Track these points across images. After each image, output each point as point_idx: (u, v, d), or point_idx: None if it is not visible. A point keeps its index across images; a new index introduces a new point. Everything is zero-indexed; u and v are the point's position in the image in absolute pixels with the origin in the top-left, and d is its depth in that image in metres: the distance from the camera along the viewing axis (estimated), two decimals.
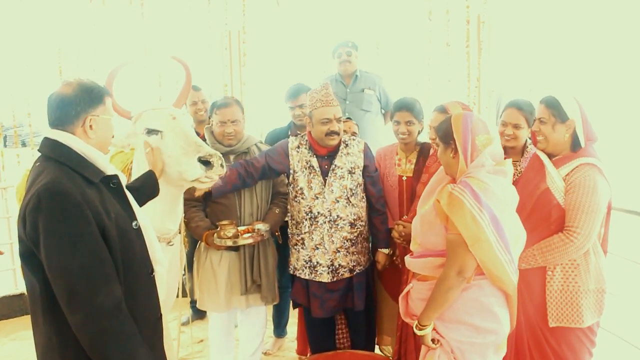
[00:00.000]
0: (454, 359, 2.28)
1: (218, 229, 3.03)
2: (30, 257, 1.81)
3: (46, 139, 1.93)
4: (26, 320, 4.55)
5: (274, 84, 5.36)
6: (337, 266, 3.12)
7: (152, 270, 2.09)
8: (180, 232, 3.03)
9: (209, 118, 3.25)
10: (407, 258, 2.46)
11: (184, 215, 3.13)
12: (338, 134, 3.06)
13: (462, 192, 2.15)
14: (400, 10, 5.05)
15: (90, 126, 1.94)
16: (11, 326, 4.55)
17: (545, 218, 2.59)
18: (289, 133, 3.98)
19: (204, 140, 3.34)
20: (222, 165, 2.61)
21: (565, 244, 2.52)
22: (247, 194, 3.21)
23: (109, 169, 2.00)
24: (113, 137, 2.10)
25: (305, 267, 3.15)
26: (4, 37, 4.81)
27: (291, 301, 3.49)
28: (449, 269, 2.20)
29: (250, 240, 3.05)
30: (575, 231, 2.51)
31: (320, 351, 3.27)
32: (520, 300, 2.63)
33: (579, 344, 2.63)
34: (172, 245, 2.89)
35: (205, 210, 3.24)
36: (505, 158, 2.49)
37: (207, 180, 2.62)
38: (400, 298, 2.53)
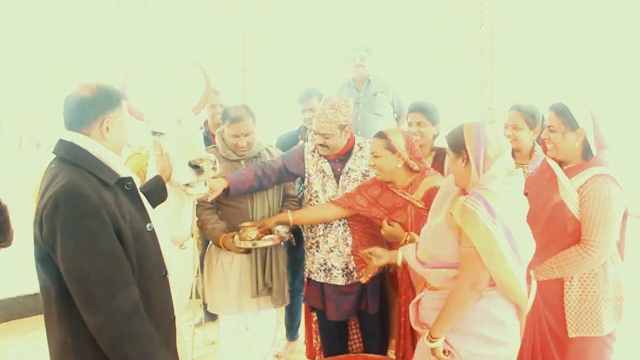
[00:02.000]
0: None
1: (240, 230, 3.03)
2: (45, 260, 1.81)
3: (61, 141, 1.94)
4: (40, 319, 4.57)
5: (285, 88, 5.36)
6: (352, 269, 3.12)
7: (166, 272, 2.10)
8: (193, 236, 3.05)
9: (222, 123, 3.25)
10: (419, 267, 2.43)
11: (198, 216, 3.14)
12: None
13: (476, 205, 2.13)
14: (415, 14, 5.04)
15: (107, 128, 1.95)
16: (26, 325, 4.58)
17: (560, 231, 2.56)
18: (299, 137, 3.99)
19: (213, 142, 3.37)
20: (214, 169, 2.60)
21: (583, 257, 2.49)
22: (259, 197, 3.21)
23: (124, 171, 2.00)
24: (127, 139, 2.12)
25: (320, 270, 3.16)
26: (18, 37, 4.85)
27: (305, 304, 3.49)
28: (462, 282, 2.19)
29: (271, 243, 3.06)
30: (592, 244, 2.47)
31: (333, 354, 3.27)
32: (536, 312, 2.63)
33: (599, 353, 2.61)
34: (184, 248, 2.91)
35: (217, 213, 3.25)
36: (515, 161, 2.52)
37: (200, 185, 2.61)
38: (410, 306, 2.52)
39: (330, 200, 3.08)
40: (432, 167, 3.20)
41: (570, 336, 2.58)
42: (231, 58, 5.27)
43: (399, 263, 2.68)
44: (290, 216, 3.08)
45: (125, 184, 1.99)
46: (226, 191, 3.06)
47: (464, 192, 2.31)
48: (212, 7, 5.19)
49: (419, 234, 2.61)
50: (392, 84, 4.47)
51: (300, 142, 3.98)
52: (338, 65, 5.39)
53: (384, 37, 5.15)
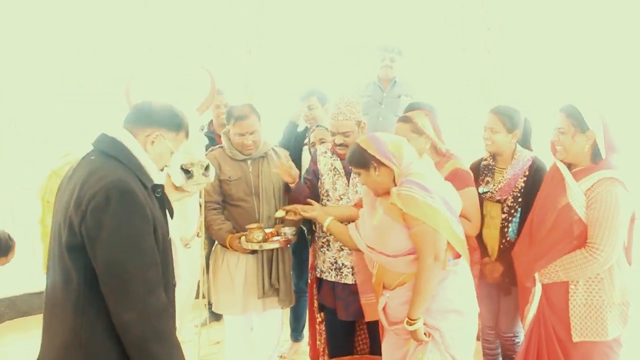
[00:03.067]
0: (444, 350, 2.41)
1: (247, 232, 3.04)
2: (75, 249, 1.80)
3: (105, 135, 1.97)
4: None
5: (289, 86, 5.36)
6: None
7: (175, 283, 2.11)
8: (198, 235, 3.05)
9: (227, 123, 3.25)
10: (383, 258, 2.51)
11: (205, 218, 3.15)
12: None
13: (410, 189, 2.34)
14: (416, 15, 5.02)
15: (152, 142, 1.98)
16: (31, 323, 4.59)
17: (567, 233, 2.55)
18: (305, 136, 4.01)
19: (219, 141, 3.37)
20: (204, 175, 2.62)
21: (588, 261, 2.48)
22: (264, 198, 3.22)
23: (157, 178, 2.03)
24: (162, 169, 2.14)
25: (332, 269, 3.16)
26: (19, 37, 4.86)
27: (309, 305, 3.49)
28: (425, 258, 2.35)
29: (277, 245, 3.07)
30: (598, 247, 2.46)
31: (339, 355, 3.27)
32: (542, 316, 2.66)
33: (604, 358, 2.59)
34: (189, 247, 2.91)
35: (223, 213, 3.25)
36: (492, 164, 3.10)
37: (192, 188, 2.64)
38: (379, 313, 2.61)
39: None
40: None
41: (574, 340, 2.57)
42: (234, 58, 5.26)
43: (325, 227, 2.83)
44: (327, 223, 2.87)
45: (157, 190, 2.02)
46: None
47: (387, 193, 2.47)
48: (215, 8, 5.19)
49: None
50: (417, 88, 4.44)
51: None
52: (343, 65, 5.42)
53: (386, 36, 5.12)
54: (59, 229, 1.85)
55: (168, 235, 2.03)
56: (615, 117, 2.62)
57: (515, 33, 4.51)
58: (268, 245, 3.04)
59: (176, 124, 2.04)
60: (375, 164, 2.46)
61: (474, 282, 2.79)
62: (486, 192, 3.06)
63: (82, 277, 1.80)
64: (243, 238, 3.05)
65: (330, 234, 3.02)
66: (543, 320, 2.66)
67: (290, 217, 2.95)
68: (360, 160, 2.51)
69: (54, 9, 4.84)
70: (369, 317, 2.94)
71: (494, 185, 3.05)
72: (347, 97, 3.09)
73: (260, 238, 3.01)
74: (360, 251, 2.69)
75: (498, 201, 3.03)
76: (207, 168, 2.65)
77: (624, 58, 4.38)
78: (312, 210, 2.91)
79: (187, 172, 2.57)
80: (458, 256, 2.51)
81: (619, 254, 2.55)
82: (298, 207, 2.95)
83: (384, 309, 2.58)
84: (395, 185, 2.45)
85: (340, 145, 3.08)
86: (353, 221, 2.92)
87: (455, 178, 2.83)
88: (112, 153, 1.91)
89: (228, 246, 3.13)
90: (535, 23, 4.46)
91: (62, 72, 4.89)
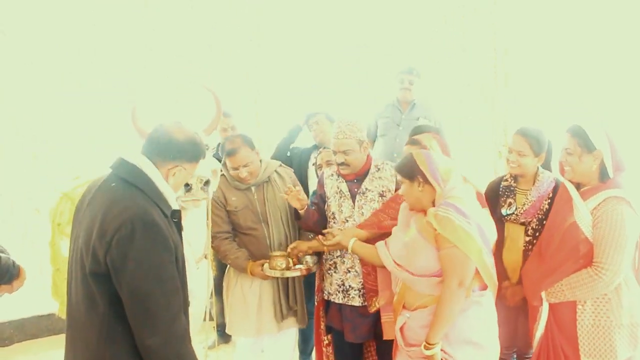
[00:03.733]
0: None
1: (270, 259, 3.07)
2: (100, 277, 1.84)
3: (125, 161, 1.98)
4: (54, 340, 4.61)
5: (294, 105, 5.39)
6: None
7: (188, 304, 2.13)
8: (206, 257, 3.05)
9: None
10: (408, 276, 2.51)
11: (218, 248, 3.19)
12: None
13: (447, 211, 2.36)
14: (417, 15, 5.05)
15: (174, 174, 2.02)
16: (40, 346, 4.59)
17: (573, 252, 2.55)
18: (312, 154, 4.03)
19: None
20: (203, 189, 2.62)
21: (594, 280, 2.47)
22: (274, 224, 3.24)
23: (174, 204, 2.06)
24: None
25: (339, 292, 3.14)
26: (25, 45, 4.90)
27: (316, 328, 3.47)
28: (450, 282, 2.34)
29: (299, 273, 3.10)
30: (603, 267, 2.46)
31: None
32: (550, 336, 2.65)
33: None
34: (197, 269, 2.91)
35: (235, 240, 3.27)
36: (514, 185, 3.02)
37: (189, 203, 2.62)
38: (396, 332, 2.60)
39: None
40: None
41: None
42: (235, 58, 5.27)
43: (350, 249, 2.87)
44: (351, 244, 2.91)
45: (174, 216, 2.05)
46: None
47: (423, 211, 2.52)
48: (215, 8, 5.22)
49: None
50: (436, 110, 4.45)
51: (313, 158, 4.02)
52: (344, 65, 5.44)
53: (386, 37, 5.16)
54: (81, 255, 1.89)
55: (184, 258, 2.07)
56: (623, 135, 2.63)
57: (517, 34, 4.52)
58: (290, 273, 3.06)
59: (197, 155, 2.09)
60: (421, 179, 2.49)
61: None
62: (510, 215, 2.98)
63: (107, 303, 1.85)
64: (266, 265, 3.07)
65: (355, 254, 3.02)
66: (551, 339, 2.64)
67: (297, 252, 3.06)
68: (408, 171, 2.54)
69: (54, 8, 4.89)
70: (387, 336, 2.93)
71: (517, 208, 2.97)
72: (349, 117, 3.10)
73: (284, 266, 3.04)
74: (386, 268, 2.70)
75: (522, 223, 2.97)
76: (206, 183, 2.64)
77: (626, 61, 4.38)
78: (332, 238, 2.95)
79: (186, 185, 2.57)
80: (484, 287, 2.48)
81: (627, 273, 2.53)
82: (320, 239, 3.02)
83: (401, 328, 2.57)
84: (434, 206, 2.47)
85: (342, 164, 3.08)
86: (369, 239, 2.95)
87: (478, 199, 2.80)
88: (132, 181, 1.93)
89: (250, 273, 3.15)
90: (537, 24, 4.46)
91: (62, 72, 4.92)
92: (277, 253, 3.08)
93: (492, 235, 2.53)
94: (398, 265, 2.55)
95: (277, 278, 3.18)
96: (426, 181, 2.48)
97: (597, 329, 2.53)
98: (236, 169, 3.17)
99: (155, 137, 2.04)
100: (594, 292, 2.50)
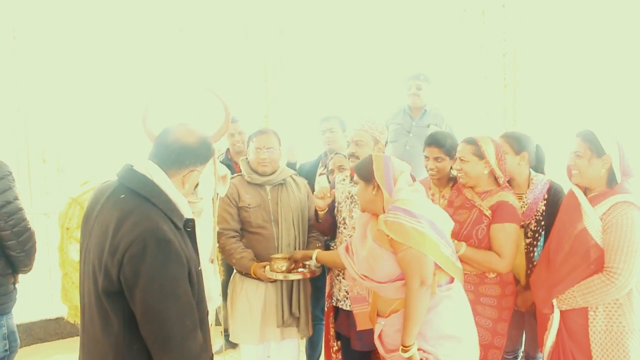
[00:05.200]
0: None
1: (271, 262, 3.04)
2: (114, 294, 1.80)
3: (133, 170, 1.91)
4: (61, 344, 4.63)
5: (309, 114, 5.40)
6: None
7: (208, 312, 2.10)
8: (213, 262, 3.05)
9: (247, 148, 3.29)
10: (367, 282, 2.54)
11: (224, 246, 3.18)
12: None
13: (396, 216, 2.39)
14: (437, 42, 5.06)
15: (189, 179, 1.98)
16: (48, 350, 4.61)
17: (584, 259, 2.55)
18: (320, 164, 4.01)
19: (238, 171, 3.40)
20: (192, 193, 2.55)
21: (606, 285, 2.46)
22: (284, 225, 3.22)
23: (187, 213, 1.99)
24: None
25: (347, 298, 3.13)
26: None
27: (325, 334, 3.46)
28: (412, 282, 2.36)
29: (301, 277, 3.08)
30: (615, 272, 2.45)
31: None
32: (561, 344, 2.64)
33: None
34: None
35: (242, 240, 3.26)
36: (508, 189, 2.95)
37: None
38: (375, 340, 2.62)
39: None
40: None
41: None
42: (253, 86, 5.31)
43: (314, 258, 2.99)
44: (315, 255, 3.06)
45: (187, 225, 1.99)
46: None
47: (376, 215, 2.53)
48: (234, 37, 5.26)
49: (471, 235, 2.86)
50: (447, 117, 4.42)
51: (320, 170, 4.00)
52: (361, 90, 5.45)
53: (404, 62, 5.16)
54: (94, 272, 1.84)
55: (199, 266, 2.02)
56: (631, 140, 2.64)
57: (526, 38, 4.51)
58: (293, 276, 3.04)
59: (209, 155, 2.04)
60: (376, 184, 2.51)
61: (508, 314, 2.88)
62: None
63: (121, 320, 1.81)
64: (267, 267, 3.05)
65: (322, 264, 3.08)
66: (562, 347, 2.63)
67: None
68: (365, 173, 2.56)
69: (65, 13, 4.94)
70: (360, 326, 2.91)
71: None
72: (374, 117, 3.13)
73: (284, 268, 3.01)
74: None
75: (521, 226, 3.01)
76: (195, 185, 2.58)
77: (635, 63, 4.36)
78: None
79: None
80: (452, 281, 2.51)
81: (638, 278, 2.52)
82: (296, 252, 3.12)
83: (379, 336, 2.58)
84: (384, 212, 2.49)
85: (352, 155, 3.09)
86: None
87: (497, 210, 2.82)
88: (142, 193, 1.87)
89: (253, 274, 3.13)
90: (546, 28, 4.45)
91: (73, 75, 4.97)
92: (279, 255, 3.04)
93: (448, 225, 2.56)
94: (364, 277, 2.56)
95: (282, 282, 3.16)
96: (380, 187, 2.51)
97: (609, 334, 2.52)
98: (259, 149, 3.20)
99: (165, 144, 1.96)
100: (606, 298, 2.49)
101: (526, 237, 3.03)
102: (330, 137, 3.94)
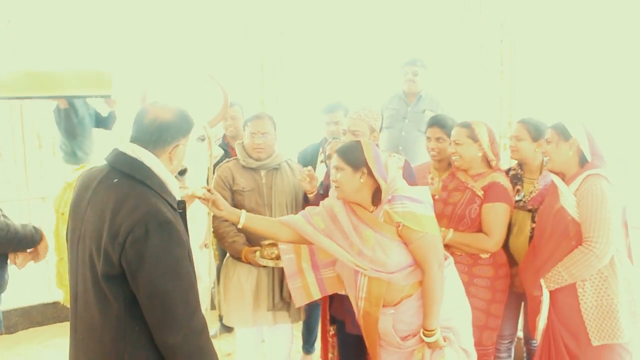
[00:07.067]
0: (458, 347, 2.48)
1: (262, 248, 3.03)
2: (115, 278, 1.80)
3: (123, 154, 1.90)
4: (59, 328, 4.65)
5: (309, 101, 5.38)
6: None
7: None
8: (206, 246, 3.06)
9: (243, 133, 3.29)
10: (383, 276, 2.45)
11: (217, 229, 3.18)
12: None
13: (404, 205, 2.39)
14: (433, 28, 5.04)
15: (175, 154, 1.97)
16: (45, 333, 4.62)
17: (564, 235, 2.65)
18: (321, 150, 4.00)
19: (232, 155, 3.40)
20: (177, 178, 2.47)
21: (586, 255, 2.55)
22: (278, 210, 3.23)
23: (178, 195, 2.00)
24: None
25: None
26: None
27: (322, 318, 3.48)
28: (431, 267, 2.39)
29: None
30: (592, 241, 2.54)
31: None
32: (551, 327, 2.72)
33: None
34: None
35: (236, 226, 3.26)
36: (520, 173, 3.17)
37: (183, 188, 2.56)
38: (383, 330, 2.53)
39: None
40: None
41: (594, 344, 2.60)
42: (253, 86, 5.26)
43: (240, 225, 2.60)
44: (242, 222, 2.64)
45: (179, 207, 1.98)
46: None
47: (355, 204, 2.50)
48: (233, 33, 5.22)
49: (464, 215, 2.97)
50: (443, 103, 4.41)
51: (320, 157, 3.99)
52: (362, 79, 5.43)
53: (403, 52, 5.14)
54: (91, 258, 1.83)
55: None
56: (626, 128, 2.70)
57: (524, 27, 4.49)
58: (282, 263, 3.02)
59: (190, 125, 2.01)
60: (365, 171, 2.46)
61: (502, 296, 2.98)
62: (518, 201, 3.11)
63: (122, 304, 1.81)
64: (258, 253, 3.04)
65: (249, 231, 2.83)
66: (552, 331, 2.69)
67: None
68: (353, 159, 2.47)
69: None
70: (298, 303, 2.91)
71: (524, 195, 3.11)
72: (368, 103, 3.13)
73: (274, 255, 3.00)
74: (286, 241, 2.68)
75: (529, 210, 3.08)
76: (181, 173, 2.54)
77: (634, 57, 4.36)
78: (218, 210, 2.59)
79: (183, 172, 2.53)
80: (446, 257, 2.59)
81: (619, 249, 2.62)
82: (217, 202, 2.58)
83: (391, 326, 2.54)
84: (371, 199, 2.50)
85: None
86: (271, 239, 2.80)
87: (489, 190, 2.93)
88: (137, 176, 1.86)
89: (244, 259, 3.13)
90: (544, 17, 4.43)
91: (69, 60, 4.94)
92: (268, 242, 3.02)
93: (431, 200, 2.57)
94: (376, 270, 2.47)
95: (273, 268, 3.16)
96: (370, 174, 2.46)
97: (600, 309, 2.60)
98: (254, 134, 3.20)
99: (144, 126, 1.92)
100: (590, 268, 2.57)
101: (532, 221, 3.07)
102: (336, 131, 3.90)
